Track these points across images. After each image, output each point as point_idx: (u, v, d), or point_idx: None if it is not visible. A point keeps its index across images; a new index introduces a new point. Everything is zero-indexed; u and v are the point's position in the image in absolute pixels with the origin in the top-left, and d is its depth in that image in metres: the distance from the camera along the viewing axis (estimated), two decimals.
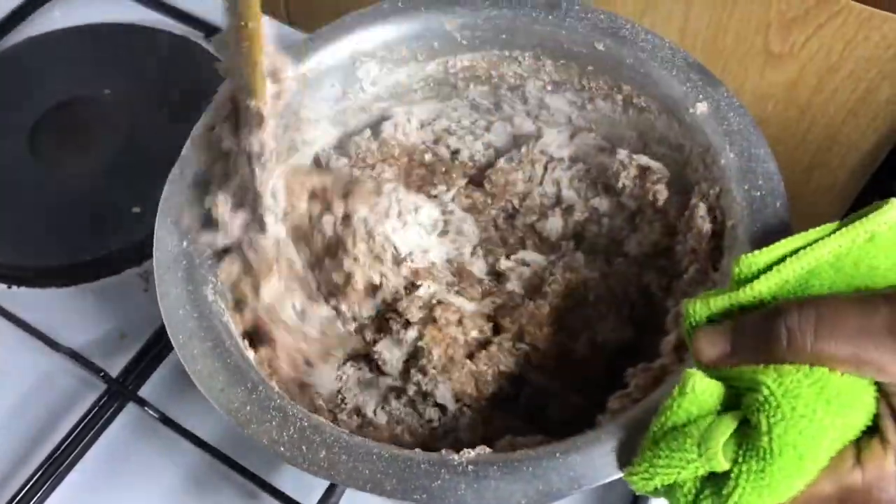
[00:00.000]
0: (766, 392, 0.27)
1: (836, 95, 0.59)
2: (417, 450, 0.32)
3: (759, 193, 0.37)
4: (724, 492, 0.27)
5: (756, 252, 0.31)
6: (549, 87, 0.47)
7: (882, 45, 0.55)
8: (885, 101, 0.58)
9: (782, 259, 0.30)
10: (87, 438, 0.48)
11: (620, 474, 0.31)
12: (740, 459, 0.27)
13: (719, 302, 0.31)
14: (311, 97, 0.45)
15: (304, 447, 0.31)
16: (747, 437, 0.27)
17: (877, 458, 0.26)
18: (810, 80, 0.59)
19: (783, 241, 0.31)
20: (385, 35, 0.45)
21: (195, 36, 0.67)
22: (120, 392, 0.49)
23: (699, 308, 0.31)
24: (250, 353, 0.36)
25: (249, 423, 0.32)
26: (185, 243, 0.38)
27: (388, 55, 0.46)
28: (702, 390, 0.29)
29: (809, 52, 0.57)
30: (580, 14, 0.45)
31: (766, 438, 0.26)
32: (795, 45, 0.58)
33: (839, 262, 0.29)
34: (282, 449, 0.31)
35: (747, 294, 0.30)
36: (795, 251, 0.30)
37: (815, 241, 0.30)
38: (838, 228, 0.30)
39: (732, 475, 0.27)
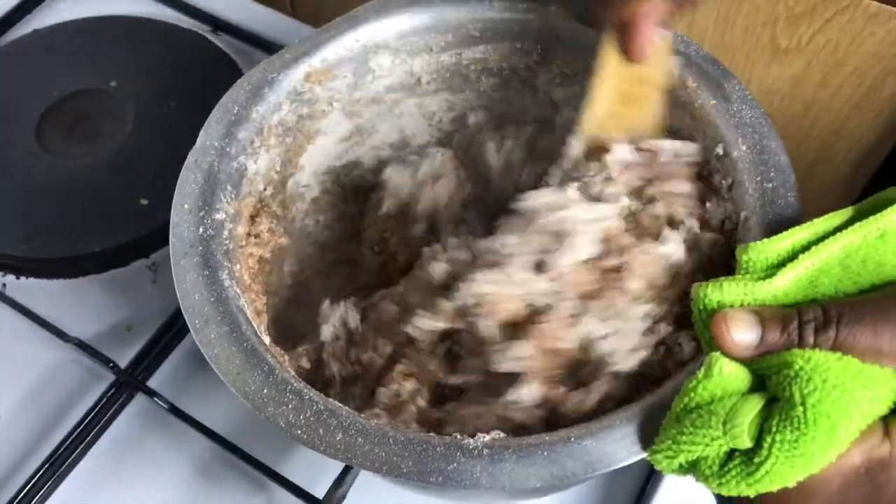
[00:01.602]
0: (796, 367, 0.27)
1: (841, 90, 0.60)
2: (432, 433, 0.32)
3: (771, 185, 0.37)
4: (756, 460, 0.27)
5: (765, 240, 0.31)
6: (558, 80, 0.47)
7: (888, 40, 0.55)
8: (890, 96, 0.58)
9: (792, 250, 0.31)
10: (96, 429, 0.48)
11: (635, 458, 0.31)
12: (774, 429, 0.27)
13: (733, 290, 0.31)
14: (324, 87, 0.45)
15: (320, 430, 0.31)
16: (781, 408, 0.27)
17: None
18: (816, 75, 0.60)
19: (791, 231, 0.31)
20: (399, 26, 0.45)
21: (202, 29, 0.67)
22: (129, 382, 0.49)
23: (711, 292, 0.31)
24: (266, 338, 0.36)
25: (266, 407, 0.32)
26: (201, 229, 0.38)
27: (402, 46, 0.46)
28: (728, 373, 0.29)
29: (815, 47, 0.58)
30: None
31: (800, 409, 0.27)
32: (802, 40, 0.58)
33: (848, 258, 0.30)
34: (298, 432, 0.31)
35: (764, 290, 0.30)
36: (806, 245, 0.31)
37: (825, 231, 0.31)
38: (849, 220, 0.31)
39: (765, 444, 0.27)
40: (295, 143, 0.45)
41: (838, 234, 0.30)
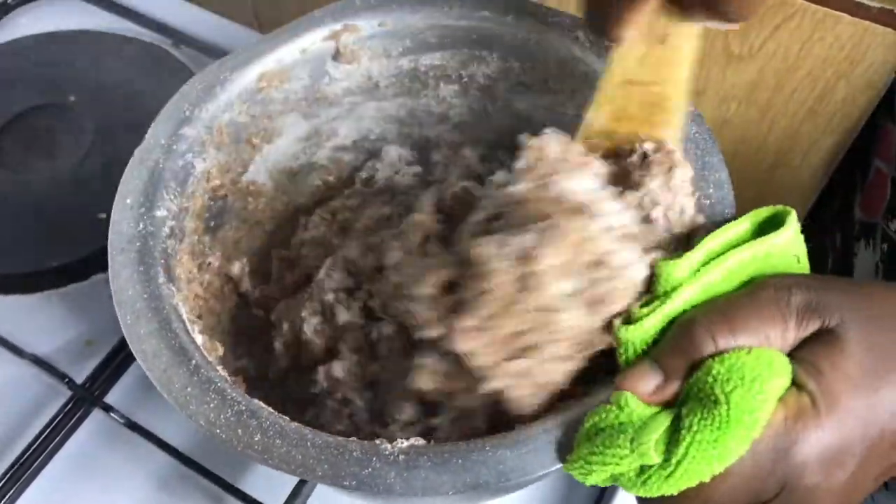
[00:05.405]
0: (714, 372, 0.28)
1: (795, 95, 0.61)
2: (353, 438, 0.32)
3: (708, 202, 0.37)
4: (674, 460, 0.28)
5: (676, 260, 0.32)
6: (519, 90, 0.47)
7: (836, 45, 0.56)
8: (842, 100, 0.59)
9: (706, 259, 0.32)
10: (52, 445, 0.48)
11: (550, 470, 0.31)
12: (695, 428, 0.27)
13: (652, 320, 0.31)
14: (278, 88, 0.45)
15: (239, 430, 0.31)
16: (702, 407, 0.28)
17: (795, 399, 0.28)
18: (770, 80, 0.60)
19: (697, 247, 0.32)
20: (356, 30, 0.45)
21: (163, 43, 0.67)
22: (85, 398, 0.49)
23: (632, 333, 0.31)
24: (198, 337, 0.36)
25: (188, 405, 0.32)
26: (140, 226, 0.38)
27: (358, 50, 0.46)
28: (636, 404, 0.30)
29: (767, 53, 0.59)
30: (548, 18, 0.44)
31: (724, 407, 0.27)
32: (754, 47, 0.59)
33: (744, 268, 0.32)
34: (218, 431, 0.31)
35: (677, 306, 0.31)
36: (709, 258, 0.32)
37: (730, 242, 0.32)
38: (746, 231, 0.33)
39: (684, 443, 0.27)
40: (248, 143, 0.45)
41: (734, 251, 0.32)
